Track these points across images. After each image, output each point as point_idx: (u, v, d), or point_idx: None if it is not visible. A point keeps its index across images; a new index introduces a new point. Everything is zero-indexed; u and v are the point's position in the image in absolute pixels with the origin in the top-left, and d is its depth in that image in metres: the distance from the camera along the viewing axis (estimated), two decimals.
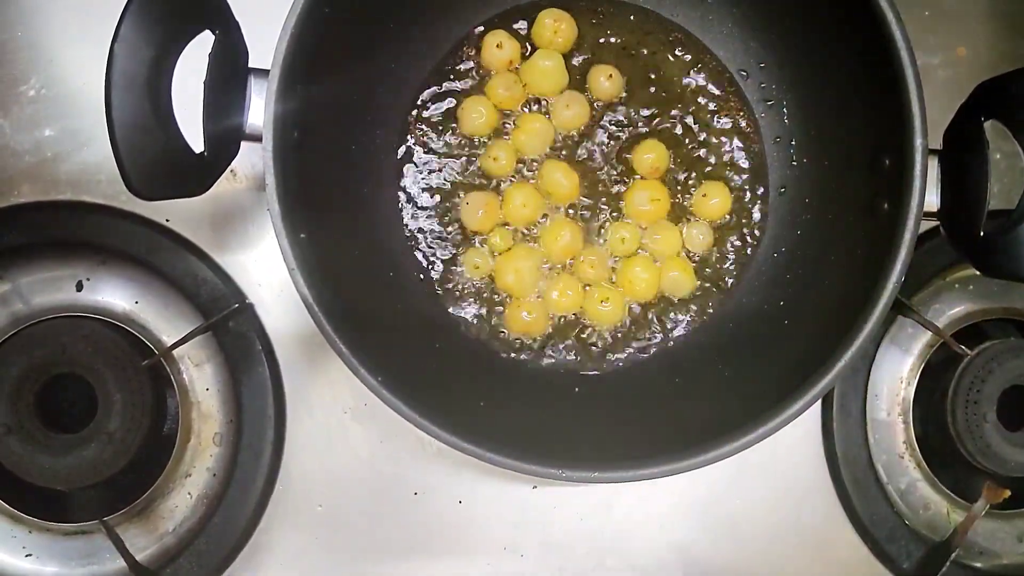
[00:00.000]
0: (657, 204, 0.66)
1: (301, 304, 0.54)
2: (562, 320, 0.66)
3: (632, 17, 0.68)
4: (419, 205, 0.68)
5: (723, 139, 0.68)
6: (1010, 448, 0.66)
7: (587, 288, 0.66)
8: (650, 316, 0.67)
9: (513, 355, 0.67)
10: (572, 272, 0.66)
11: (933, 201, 0.56)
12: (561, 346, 0.66)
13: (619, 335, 0.67)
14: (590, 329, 0.66)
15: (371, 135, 0.66)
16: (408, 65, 0.67)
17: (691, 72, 0.68)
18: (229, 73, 0.55)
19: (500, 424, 0.59)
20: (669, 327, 0.67)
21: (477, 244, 0.67)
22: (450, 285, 0.67)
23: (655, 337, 0.67)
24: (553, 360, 0.66)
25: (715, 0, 0.67)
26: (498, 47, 0.66)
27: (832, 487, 0.70)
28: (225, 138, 0.55)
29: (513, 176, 0.67)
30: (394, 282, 0.66)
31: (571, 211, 0.67)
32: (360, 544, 0.69)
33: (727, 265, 0.67)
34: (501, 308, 0.67)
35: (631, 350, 0.66)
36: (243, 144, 0.57)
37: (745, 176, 0.67)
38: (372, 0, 0.61)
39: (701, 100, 0.68)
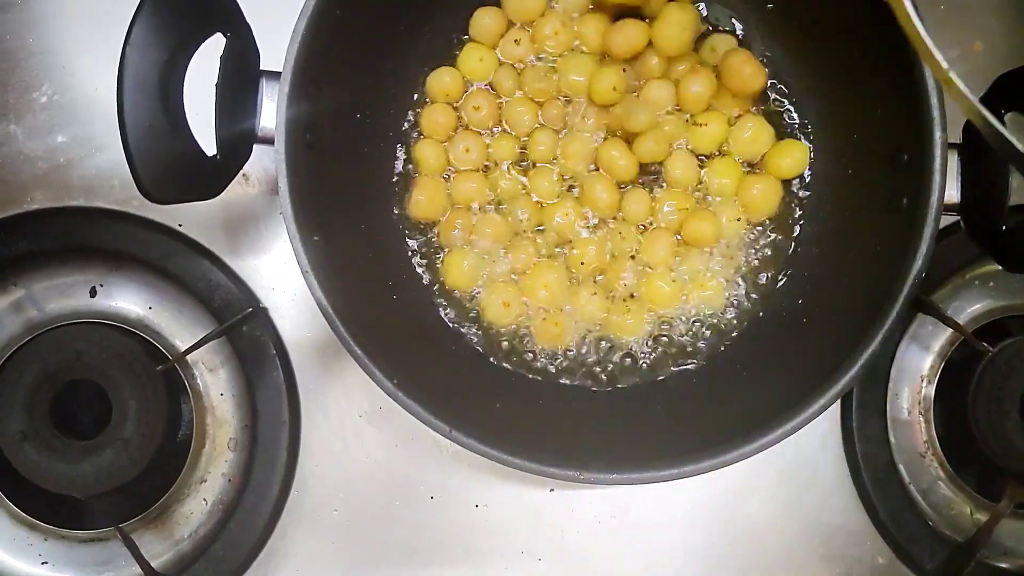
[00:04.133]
0: (683, 212, 0.65)
1: (315, 307, 0.54)
2: (586, 333, 0.66)
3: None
4: None
5: None
6: None
7: (611, 298, 0.66)
8: (671, 326, 0.66)
9: (533, 375, 0.66)
10: (597, 284, 0.66)
11: (953, 196, 0.55)
12: (582, 354, 0.66)
13: (640, 345, 0.66)
14: (611, 343, 0.66)
15: (384, 136, 0.66)
16: (419, 65, 0.66)
17: None
18: (241, 76, 0.55)
19: (517, 426, 0.59)
20: (688, 336, 0.66)
21: (490, 281, 0.66)
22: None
23: (675, 345, 0.66)
24: (572, 375, 0.66)
25: None
26: (475, 109, 0.66)
27: (853, 488, 0.69)
28: (237, 141, 0.55)
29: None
30: (407, 286, 0.66)
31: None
32: (376, 548, 0.69)
33: (751, 264, 0.66)
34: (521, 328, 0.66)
35: (654, 358, 0.66)
36: (255, 148, 0.57)
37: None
38: (382, 1, 0.61)
39: None
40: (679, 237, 0.66)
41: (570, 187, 0.66)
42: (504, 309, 0.65)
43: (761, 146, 0.66)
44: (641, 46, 0.64)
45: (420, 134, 0.67)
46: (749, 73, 0.64)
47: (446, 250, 0.66)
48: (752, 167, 0.67)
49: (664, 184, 0.66)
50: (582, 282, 0.66)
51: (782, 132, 0.66)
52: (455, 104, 0.67)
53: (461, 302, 0.66)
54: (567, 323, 0.65)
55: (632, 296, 0.65)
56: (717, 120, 0.65)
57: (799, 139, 0.66)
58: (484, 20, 0.66)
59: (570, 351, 0.66)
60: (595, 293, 0.65)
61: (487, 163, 0.67)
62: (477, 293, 0.66)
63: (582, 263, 0.65)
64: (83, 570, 0.68)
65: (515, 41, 0.66)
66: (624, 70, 0.65)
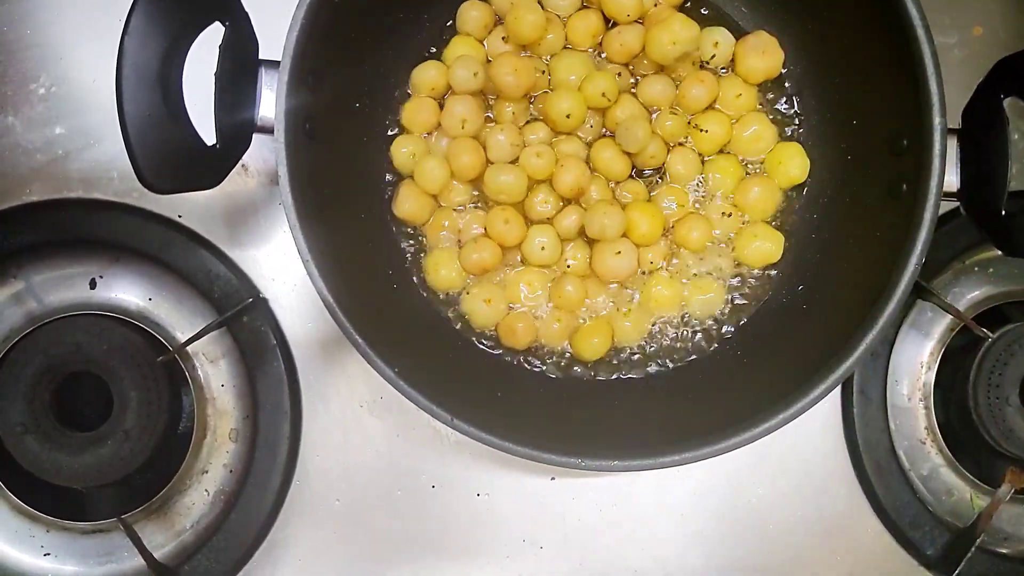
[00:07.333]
0: (683, 209, 0.65)
1: (315, 298, 0.54)
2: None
3: None
4: None
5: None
6: None
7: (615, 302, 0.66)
8: (672, 321, 0.66)
9: (533, 366, 0.66)
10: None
11: (953, 181, 0.55)
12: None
13: (641, 339, 0.66)
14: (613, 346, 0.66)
15: (383, 126, 0.66)
16: (418, 54, 0.66)
17: None
18: (240, 65, 0.55)
19: (518, 415, 0.59)
20: (689, 328, 0.66)
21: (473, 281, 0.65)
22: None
23: (676, 337, 0.66)
24: (573, 366, 0.66)
25: None
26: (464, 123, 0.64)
27: (853, 474, 0.70)
28: (237, 130, 0.55)
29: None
30: (406, 276, 0.66)
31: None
32: (378, 538, 0.69)
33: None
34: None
35: (655, 350, 0.66)
36: (254, 140, 0.57)
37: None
38: None
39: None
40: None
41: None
42: (487, 306, 0.64)
43: (764, 145, 0.65)
44: (639, 50, 0.64)
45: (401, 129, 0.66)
46: (768, 54, 0.64)
47: (428, 251, 0.66)
48: (753, 168, 0.66)
49: (665, 178, 0.66)
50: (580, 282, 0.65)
51: (781, 123, 0.66)
52: (440, 99, 0.66)
53: (453, 297, 0.66)
54: (572, 323, 0.65)
55: (633, 298, 0.66)
56: (719, 123, 0.65)
57: (798, 130, 0.66)
58: (470, 13, 0.65)
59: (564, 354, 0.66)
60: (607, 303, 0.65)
61: None
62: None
63: (568, 266, 0.65)
64: (85, 561, 0.68)
65: (502, 39, 0.65)
66: (619, 75, 0.65)
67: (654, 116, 0.65)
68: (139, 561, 0.66)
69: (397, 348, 0.55)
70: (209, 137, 0.53)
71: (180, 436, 0.70)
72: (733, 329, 0.65)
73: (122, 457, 0.64)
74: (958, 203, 0.57)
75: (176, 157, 0.51)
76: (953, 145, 0.55)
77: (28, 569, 0.68)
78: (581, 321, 0.65)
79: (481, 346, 0.66)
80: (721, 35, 0.65)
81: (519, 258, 0.65)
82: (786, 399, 0.54)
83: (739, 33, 0.66)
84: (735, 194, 0.65)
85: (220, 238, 0.70)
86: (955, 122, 0.56)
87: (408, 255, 0.66)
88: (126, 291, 0.70)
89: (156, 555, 0.67)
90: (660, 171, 0.66)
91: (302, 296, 0.70)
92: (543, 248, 0.63)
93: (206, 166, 0.54)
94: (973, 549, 0.66)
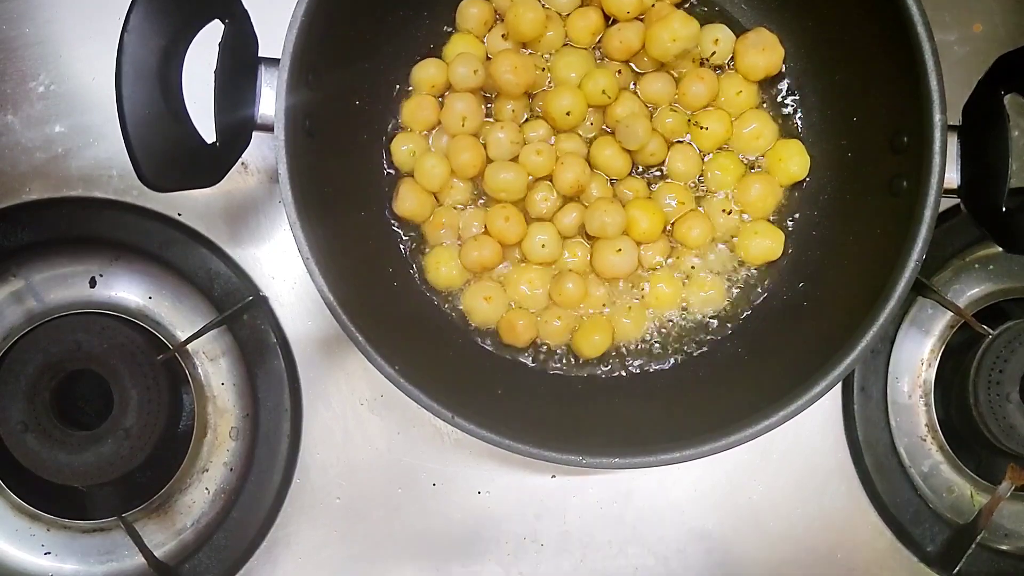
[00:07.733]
0: (683, 206, 0.65)
1: (315, 296, 0.54)
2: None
3: None
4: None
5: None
6: None
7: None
8: (672, 317, 0.66)
9: (534, 363, 0.66)
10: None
11: (953, 178, 0.55)
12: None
13: (641, 335, 0.66)
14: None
15: (382, 124, 0.66)
16: (418, 52, 0.66)
17: None
18: (239, 63, 0.55)
19: (519, 413, 0.59)
20: (690, 325, 0.66)
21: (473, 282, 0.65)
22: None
23: (676, 334, 0.66)
24: (573, 364, 0.66)
25: None
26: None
27: (854, 471, 0.70)
28: (237, 128, 0.55)
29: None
30: (407, 274, 0.66)
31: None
32: (379, 536, 0.69)
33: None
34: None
35: (656, 347, 0.66)
36: (254, 137, 0.56)
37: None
38: None
39: None
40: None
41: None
42: (487, 304, 0.64)
43: (765, 142, 0.65)
44: (638, 47, 0.64)
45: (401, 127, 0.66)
46: (768, 51, 0.64)
47: (428, 249, 0.66)
48: (753, 166, 0.66)
49: (665, 175, 0.66)
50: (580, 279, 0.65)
51: (781, 120, 0.66)
52: (440, 97, 0.66)
53: (454, 295, 0.66)
54: (573, 321, 0.65)
55: (633, 296, 0.66)
56: (719, 120, 0.65)
57: (798, 127, 0.66)
58: (470, 10, 0.65)
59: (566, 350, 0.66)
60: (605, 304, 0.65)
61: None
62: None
63: (568, 264, 0.65)
64: (86, 560, 0.68)
65: (502, 36, 0.65)
66: (619, 72, 0.65)
67: (654, 113, 0.65)
68: (139, 560, 0.66)
69: (397, 346, 0.55)
70: (209, 135, 0.53)
71: (180, 434, 0.70)
72: (733, 326, 0.65)
73: (122, 455, 0.64)
74: (958, 200, 0.57)
75: (176, 155, 0.51)
76: (953, 142, 0.55)
77: (28, 568, 0.68)
78: (581, 317, 0.65)
79: (481, 344, 0.66)
80: (721, 32, 0.65)
81: (519, 256, 0.65)
82: (786, 396, 0.54)
83: (739, 30, 0.66)
84: (735, 191, 0.65)
85: (220, 236, 0.70)
86: (955, 119, 0.56)
87: (408, 253, 0.66)
88: (126, 289, 0.70)
89: (157, 553, 0.67)
90: (660, 168, 0.66)
91: (302, 294, 0.70)
92: (543, 246, 0.63)
93: (206, 164, 0.54)
94: (973, 546, 0.66)
